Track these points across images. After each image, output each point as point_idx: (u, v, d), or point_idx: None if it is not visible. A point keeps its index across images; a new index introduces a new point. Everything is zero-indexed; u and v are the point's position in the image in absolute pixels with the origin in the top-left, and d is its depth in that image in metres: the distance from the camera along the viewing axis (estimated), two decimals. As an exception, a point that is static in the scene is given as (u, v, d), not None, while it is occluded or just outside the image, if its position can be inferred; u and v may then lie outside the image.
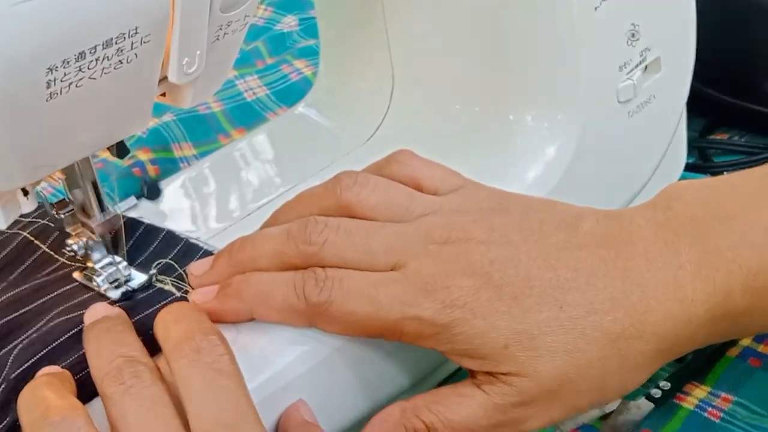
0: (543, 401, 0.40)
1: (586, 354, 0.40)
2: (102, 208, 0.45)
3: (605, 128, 0.55)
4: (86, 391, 0.40)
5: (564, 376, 0.40)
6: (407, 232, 0.43)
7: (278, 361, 0.42)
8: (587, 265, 0.41)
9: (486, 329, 0.40)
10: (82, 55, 0.34)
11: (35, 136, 0.37)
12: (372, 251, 0.42)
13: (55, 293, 0.45)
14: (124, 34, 0.35)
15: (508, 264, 0.41)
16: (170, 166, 0.72)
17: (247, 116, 0.78)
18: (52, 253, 0.49)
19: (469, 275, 0.41)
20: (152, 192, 0.48)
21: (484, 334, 0.40)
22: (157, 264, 0.46)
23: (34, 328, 0.43)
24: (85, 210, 0.45)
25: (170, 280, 0.45)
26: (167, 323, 0.40)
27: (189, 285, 0.45)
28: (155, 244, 0.48)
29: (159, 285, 0.46)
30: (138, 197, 0.47)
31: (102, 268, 0.46)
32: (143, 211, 0.53)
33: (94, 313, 0.42)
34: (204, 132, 0.76)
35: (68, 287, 0.46)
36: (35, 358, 0.41)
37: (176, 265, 0.46)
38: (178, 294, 0.45)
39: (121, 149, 0.45)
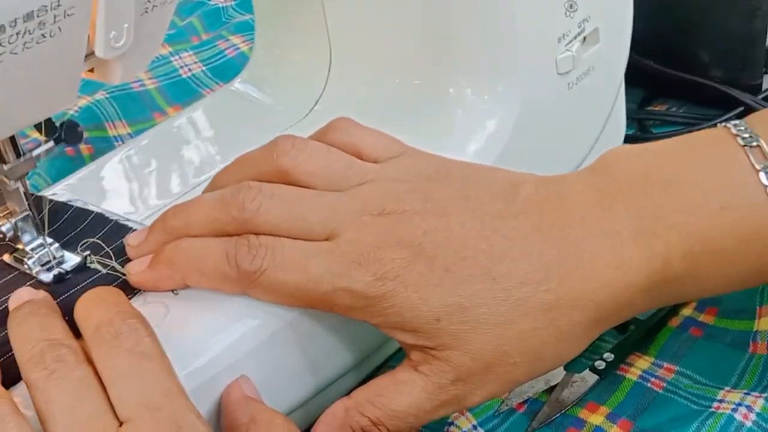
0: (479, 375, 0.40)
1: (519, 325, 0.40)
2: (18, 153, 0.42)
3: (545, 100, 0.54)
4: (11, 375, 0.38)
5: (497, 348, 0.40)
6: (342, 201, 0.42)
7: (219, 342, 0.41)
8: (522, 234, 0.41)
9: (417, 302, 0.39)
10: (1, 29, 0.33)
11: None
12: (306, 219, 0.41)
13: None
14: (45, 6, 0.34)
15: (440, 235, 0.40)
16: (104, 145, 0.71)
17: (182, 93, 0.77)
18: None
19: (402, 247, 0.40)
20: (71, 135, 0.44)
21: (415, 307, 0.39)
22: (84, 243, 0.45)
23: None
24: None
25: (98, 260, 0.44)
26: (87, 309, 0.39)
27: (119, 266, 0.44)
28: (83, 226, 0.47)
29: (93, 266, 0.44)
30: (56, 142, 0.44)
31: (32, 250, 0.44)
32: (78, 191, 0.51)
33: (18, 297, 0.40)
34: (138, 110, 0.75)
35: (8, 275, 0.44)
36: None
37: (103, 245, 0.45)
38: (103, 271, 0.44)
39: (49, 128, 0.43)
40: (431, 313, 0.39)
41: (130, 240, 0.44)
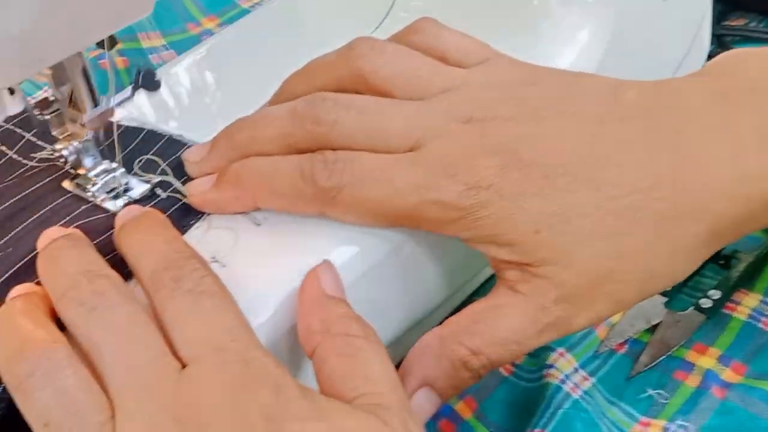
0: (584, 294, 0.36)
1: (628, 238, 0.35)
2: (95, 101, 0.39)
3: (640, 13, 0.50)
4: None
5: (605, 263, 0.35)
6: (426, 110, 0.38)
7: (297, 279, 0.37)
8: (629, 139, 0.36)
9: (514, 212, 0.35)
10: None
11: (28, 26, 0.31)
12: (387, 131, 0.37)
13: (44, 205, 0.40)
14: None
15: (536, 141, 0.36)
16: (139, 58, 0.66)
17: (216, 2, 0.73)
18: (21, 159, 0.43)
19: (495, 154, 0.36)
20: (148, 81, 0.41)
21: (511, 217, 0.35)
22: (140, 161, 0.41)
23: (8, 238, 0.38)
24: (74, 103, 0.39)
25: (162, 182, 0.40)
26: (135, 248, 0.35)
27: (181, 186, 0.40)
28: (135, 144, 0.43)
29: (163, 194, 0.40)
30: (134, 89, 0.41)
31: (96, 176, 0.40)
32: (133, 108, 0.47)
33: (47, 237, 0.36)
34: (172, 20, 0.70)
35: (59, 198, 0.40)
36: (9, 273, 0.36)
37: (160, 161, 0.41)
38: (164, 195, 0.40)
39: (110, 43, 0.39)
40: (530, 224, 0.35)
41: (189, 156, 0.40)
